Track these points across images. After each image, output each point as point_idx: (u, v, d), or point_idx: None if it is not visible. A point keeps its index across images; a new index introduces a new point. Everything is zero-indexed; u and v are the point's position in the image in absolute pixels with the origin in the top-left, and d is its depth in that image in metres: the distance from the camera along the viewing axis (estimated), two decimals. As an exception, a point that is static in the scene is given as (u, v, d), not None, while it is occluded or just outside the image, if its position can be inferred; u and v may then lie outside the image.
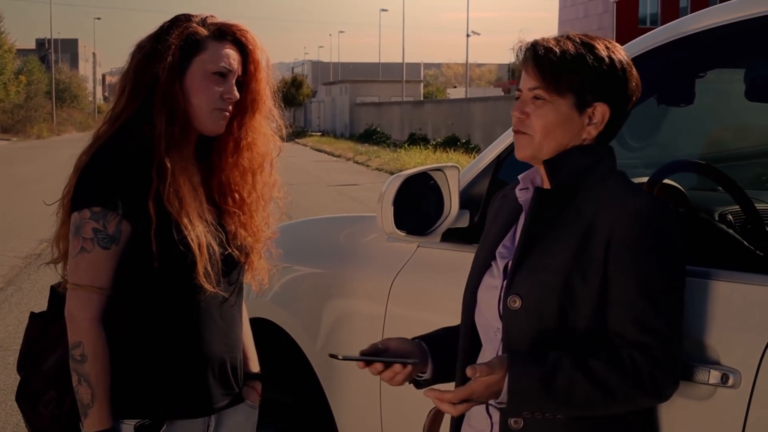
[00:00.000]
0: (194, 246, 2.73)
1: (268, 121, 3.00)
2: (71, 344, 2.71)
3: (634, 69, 2.52)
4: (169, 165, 2.75)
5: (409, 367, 2.64)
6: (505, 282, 2.53)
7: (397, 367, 2.63)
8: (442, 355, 2.74)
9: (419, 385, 2.76)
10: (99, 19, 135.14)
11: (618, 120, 2.53)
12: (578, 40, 2.50)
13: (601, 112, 2.48)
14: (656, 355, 2.32)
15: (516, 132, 2.55)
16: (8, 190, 24.81)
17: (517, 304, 2.46)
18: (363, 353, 2.67)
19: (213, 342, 2.87)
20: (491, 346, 2.58)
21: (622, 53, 2.52)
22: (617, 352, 2.34)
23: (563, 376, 2.34)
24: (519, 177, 2.65)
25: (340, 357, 2.61)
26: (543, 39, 2.52)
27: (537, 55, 2.49)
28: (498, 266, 2.60)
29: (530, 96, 2.51)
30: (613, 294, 2.38)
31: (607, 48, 2.49)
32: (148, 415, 2.79)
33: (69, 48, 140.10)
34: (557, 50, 2.47)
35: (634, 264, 2.35)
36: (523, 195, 2.62)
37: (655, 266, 2.36)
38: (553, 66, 2.46)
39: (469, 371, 2.41)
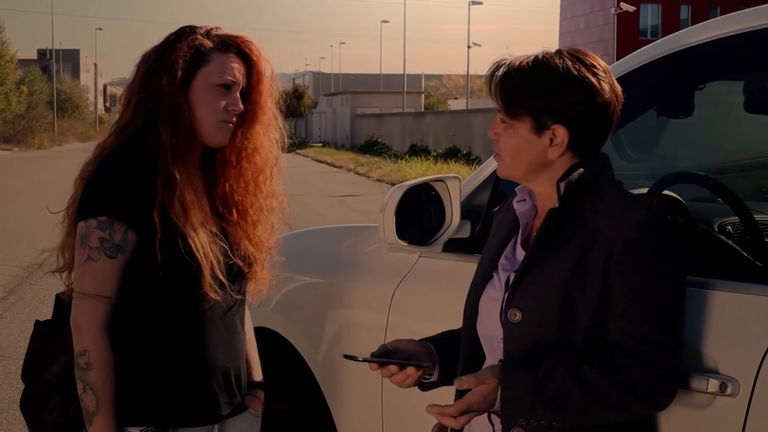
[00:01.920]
0: (199, 255, 2.76)
1: (270, 132, 3.02)
2: (77, 352, 2.73)
3: (606, 81, 2.48)
4: (173, 176, 2.77)
5: (421, 370, 2.66)
6: (506, 294, 2.56)
7: (411, 370, 2.64)
8: (449, 357, 2.76)
9: (424, 387, 2.78)
10: (100, 29, 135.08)
11: (587, 136, 2.50)
12: (540, 60, 2.48)
13: (560, 134, 2.47)
14: (653, 365, 2.33)
15: (494, 152, 2.60)
16: (9, 200, 24.81)
17: (518, 317, 2.48)
18: (374, 355, 2.68)
19: (216, 351, 2.89)
20: (494, 357, 2.60)
21: (588, 69, 2.47)
22: (613, 361, 2.36)
23: (556, 382, 2.36)
24: (516, 189, 2.67)
25: (360, 359, 2.60)
26: (510, 61, 2.51)
27: (497, 80, 2.51)
28: (500, 278, 2.62)
29: (498, 118, 2.55)
30: (613, 305, 2.39)
31: (568, 66, 2.46)
32: (152, 422, 2.81)
33: (70, 58, 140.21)
34: (514, 74, 2.48)
35: (634, 276, 2.37)
36: (520, 207, 2.65)
37: (655, 278, 2.37)
38: (509, 91, 2.48)
39: (457, 383, 2.47)
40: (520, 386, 2.39)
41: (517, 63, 2.50)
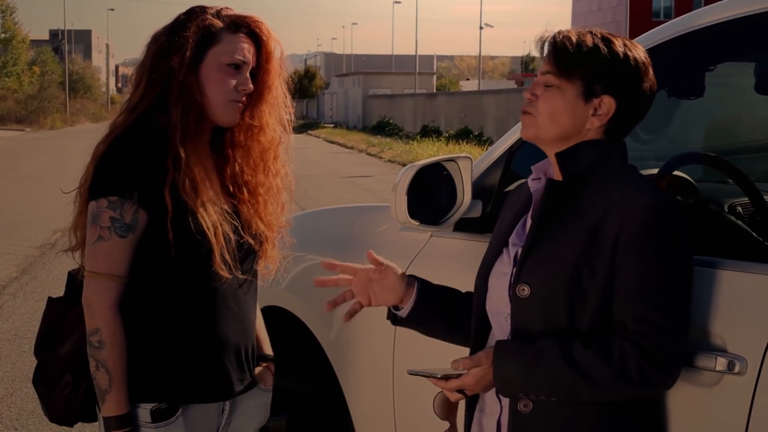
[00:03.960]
0: (210, 234, 2.77)
1: (275, 111, 3.03)
2: (89, 331, 2.75)
3: (651, 70, 2.54)
4: (184, 155, 2.79)
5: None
6: (514, 270, 2.57)
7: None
8: (429, 303, 2.86)
9: (395, 321, 2.91)
10: (112, 10, 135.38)
11: (626, 116, 2.54)
12: (598, 35, 2.53)
13: (607, 104, 2.50)
14: (650, 347, 2.35)
15: (523, 112, 2.59)
16: (22, 181, 24.88)
17: (526, 292, 2.50)
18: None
19: (228, 328, 2.91)
20: (502, 332, 2.62)
21: (640, 53, 2.53)
22: (609, 343, 2.38)
23: (546, 364, 2.40)
24: (532, 167, 2.68)
25: (435, 374, 2.58)
26: (566, 30, 2.56)
27: (554, 42, 2.53)
28: (509, 253, 2.64)
29: (542, 80, 2.55)
30: (618, 286, 2.40)
31: (624, 45, 2.51)
32: (164, 399, 2.83)
33: (82, 39, 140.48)
34: (574, 39, 2.51)
35: (639, 258, 2.38)
36: (535, 185, 2.66)
37: (660, 261, 2.38)
38: (567, 52, 2.50)
39: (453, 365, 2.52)
40: (510, 368, 2.45)
41: (577, 32, 2.54)
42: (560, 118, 2.53)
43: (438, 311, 2.87)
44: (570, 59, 2.50)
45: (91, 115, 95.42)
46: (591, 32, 2.54)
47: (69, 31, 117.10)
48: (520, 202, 2.74)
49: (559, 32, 2.56)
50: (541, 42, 2.58)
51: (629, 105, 2.52)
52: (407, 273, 2.85)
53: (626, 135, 2.59)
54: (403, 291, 2.87)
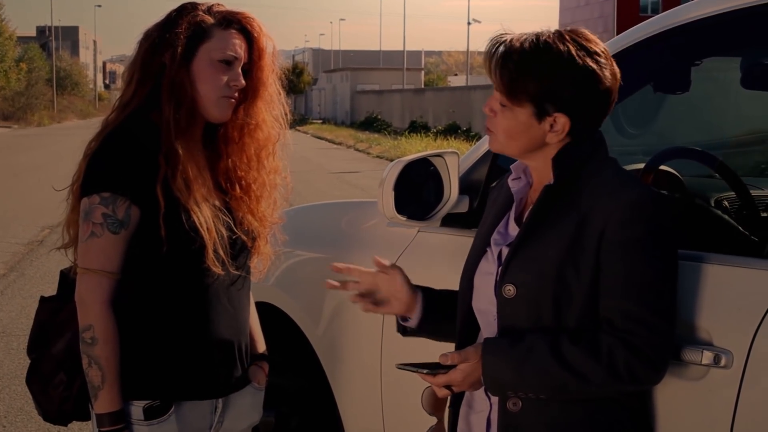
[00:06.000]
0: (202, 230, 2.78)
1: (272, 108, 3.03)
2: (82, 327, 2.76)
3: (608, 67, 2.45)
4: (176, 151, 2.79)
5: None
6: (500, 269, 2.57)
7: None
8: (435, 310, 2.82)
9: (405, 332, 2.86)
10: (99, 6, 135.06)
11: (587, 119, 2.48)
12: (543, 44, 2.43)
13: (561, 121, 2.45)
14: (638, 344, 2.35)
15: (486, 128, 2.58)
16: (9, 178, 24.81)
17: (512, 292, 2.50)
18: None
19: (221, 325, 2.92)
20: (490, 331, 2.62)
21: (591, 57, 2.43)
22: (597, 339, 2.38)
23: (535, 361, 2.40)
24: (511, 167, 2.68)
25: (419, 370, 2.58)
26: (510, 40, 2.47)
27: (498, 60, 2.46)
28: (492, 253, 2.64)
29: (497, 97, 2.51)
30: (604, 283, 2.40)
31: (572, 55, 2.42)
32: (157, 396, 2.84)
33: (70, 35, 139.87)
34: (517, 57, 2.44)
35: (624, 255, 2.38)
36: (515, 185, 2.66)
37: (645, 258, 2.38)
38: (511, 75, 2.44)
39: (441, 359, 2.51)
40: (499, 365, 2.44)
41: (519, 44, 2.44)
42: (518, 138, 2.50)
43: (447, 316, 2.81)
44: (515, 83, 2.44)
45: (78, 112, 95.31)
46: (537, 40, 2.44)
47: (56, 28, 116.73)
48: (500, 201, 2.74)
49: (498, 44, 2.48)
50: (488, 57, 2.50)
51: (586, 114, 2.47)
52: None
53: (595, 132, 2.53)
54: (409, 298, 2.80)
